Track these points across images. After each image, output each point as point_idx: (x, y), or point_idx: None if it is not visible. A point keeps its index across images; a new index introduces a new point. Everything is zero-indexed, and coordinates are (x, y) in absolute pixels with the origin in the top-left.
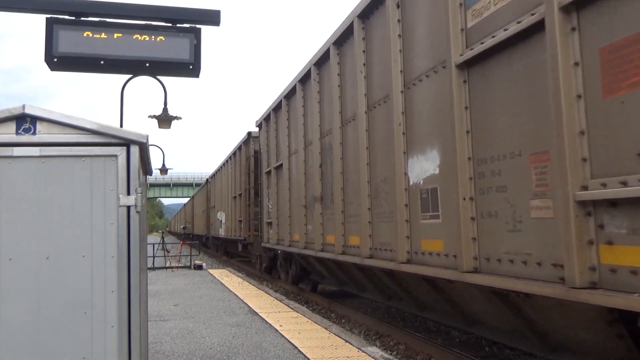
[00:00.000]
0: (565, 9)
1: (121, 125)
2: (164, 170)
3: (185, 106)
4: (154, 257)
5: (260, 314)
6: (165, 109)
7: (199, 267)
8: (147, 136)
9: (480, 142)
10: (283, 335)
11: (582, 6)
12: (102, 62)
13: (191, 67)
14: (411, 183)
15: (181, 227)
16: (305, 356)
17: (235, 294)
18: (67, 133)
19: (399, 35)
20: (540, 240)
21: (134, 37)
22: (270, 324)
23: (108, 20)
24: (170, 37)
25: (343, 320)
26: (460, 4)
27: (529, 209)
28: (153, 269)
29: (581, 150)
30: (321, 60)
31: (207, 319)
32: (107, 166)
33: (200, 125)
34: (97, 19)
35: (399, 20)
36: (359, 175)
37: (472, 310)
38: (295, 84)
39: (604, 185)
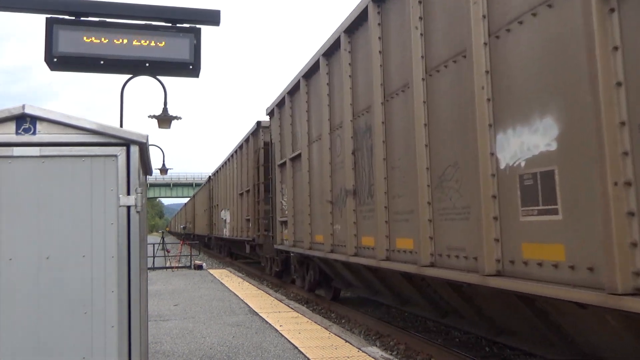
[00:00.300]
0: None
1: (121, 125)
2: (164, 170)
3: (185, 106)
4: (154, 257)
5: (260, 314)
6: (165, 109)
7: (199, 267)
8: (147, 136)
9: None
10: (283, 335)
11: None
12: (102, 62)
13: (191, 67)
14: (502, 166)
15: (181, 227)
16: (305, 356)
17: (235, 294)
18: (67, 133)
19: None
20: None
21: (134, 37)
22: (270, 324)
23: (108, 20)
24: (170, 37)
25: (343, 320)
26: None
27: None
28: (153, 269)
29: None
30: (354, 25)
31: (207, 319)
32: (107, 166)
33: (200, 125)
34: (97, 19)
35: None
36: (414, 161)
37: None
38: (318, 59)
39: None
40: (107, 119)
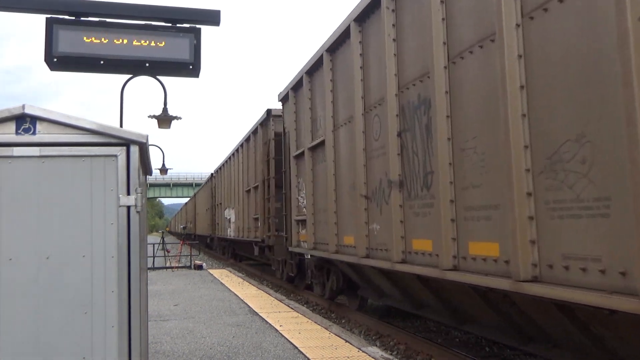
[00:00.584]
0: None
1: (121, 125)
2: (163, 170)
3: (185, 106)
4: (154, 257)
5: (260, 314)
6: (165, 109)
7: (199, 267)
8: (147, 136)
9: None
10: (283, 335)
11: None
12: (102, 62)
13: (191, 67)
14: None
15: (181, 227)
16: (305, 356)
17: (235, 294)
18: (67, 133)
19: None
20: None
21: (134, 37)
22: (270, 324)
23: (108, 20)
24: (170, 37)
25: (343, 320)
26: None
27: None
28: (153, 269)
29: None
30: None
31: (207, 319)
32: (107, 166)
33: (200, 125)
34: (97, 19)
35: None
36: (503, 138)
37: None
38: (348, 26)
39: None
40: (107, 119)
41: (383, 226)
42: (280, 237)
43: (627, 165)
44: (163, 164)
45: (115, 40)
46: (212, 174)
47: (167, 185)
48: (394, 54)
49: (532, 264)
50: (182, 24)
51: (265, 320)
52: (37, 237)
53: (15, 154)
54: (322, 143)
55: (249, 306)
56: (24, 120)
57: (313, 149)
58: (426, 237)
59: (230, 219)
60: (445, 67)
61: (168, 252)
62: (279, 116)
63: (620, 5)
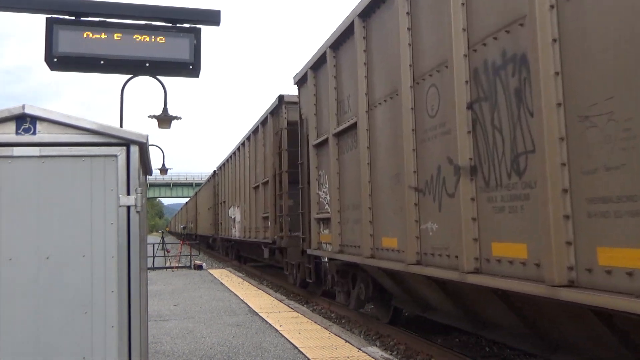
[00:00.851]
0: None
1: (121, 125)
2: (163, 170)
3: (185, 106)
4: (154, 257)
5: (260, 314)
6: (165, 109)
7: (199, 267)
8: (147, 136)
9: None
10: (283, 335)
11: None
12: (102, 62)
13: (191, 67)
14: None
15: (181, 227)
16: (305, 356)
17: (235, 294)
18: (67, 133)
19: None
20: None
21: (134, 37)
22: (270, 324)
23: (108, 20)
24: (170, 37)
25: (343, 321)
26: None
27: None
28: (153, 269)
29: None
30: None
31: (207, 319)
32: (107, 166)
33: (201, 125)
34: (97, 19)
35: None
36: None
37: None
38: None
39: None
40: (107, 119)
41: (444, 225)
42: (295, 238)
43: None
44: (163, 164)
45: (115, 40)
46: (214, 171)
47: (167, 185)
48: (462, 3)
49: None
50: (182, 24)
51: (265, 320)
52: (37, 237)
53: (15, 154)
54: (352, 127)
55: (248, 306)
56: (24, 120)
57: (339, 134)
58: (516, 240)
59: (235, 218)
60: (552, 7)
61: (168, 252)
62: (293, 103)
63: None
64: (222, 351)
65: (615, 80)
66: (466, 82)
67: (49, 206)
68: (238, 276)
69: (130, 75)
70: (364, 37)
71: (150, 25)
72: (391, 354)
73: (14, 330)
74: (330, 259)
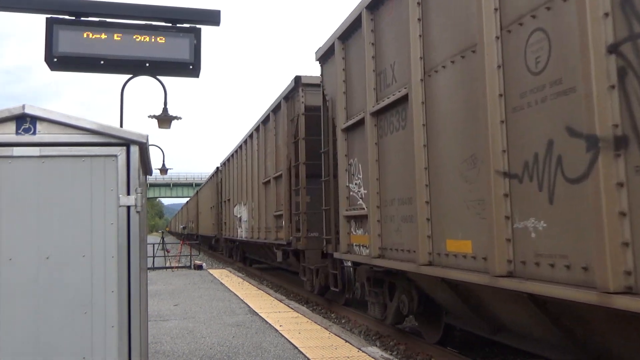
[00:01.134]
0: None
1: (121, 125)
2: (164, 170)
3: (185, 106)
4: (154, 257)
5: (260, 314)
6: (165, 109)
7: (199, 267)
8: (147, 136)
9: None
10: (283, 335)
11: None
12: (102, 62)
13: (191, 67)
14: None
15: (181, 227)
16: (305, 356)
17: (235, 294)
18: (67, 133)
19: None
20: None
21: (134, 37)
22: (270, 324)
23: (108, 20)
24: (170, 37)
25: (343, 321)
26: None
27: None
28: (153, 269)
29: None
30: None
31: (207, 319)
32: (107, 166)
33: (201, 125)
34: (97, 19)
35: None
36: None
37: None
38: None
39: None
40: (107, 119)
41: (558, 224)
42: (315, 239)
43: None
44: (163, 164)
45: (115, 40)
46: (217, 168)
47: (167, 185)
48: None
49: None
50: (182, 24)
51: (265, 320)
52: (37, 237)
53: (15, 154)
54: (400, 101)
55: (248, 306)
56: (24, 120)
57: (379, 113)
58: None
59: (241, 217)
60: None
61: (168, 252)
62: (313, 85)
63: None
64: (222, 351)
65: None
66: (605, 14)
67: (49, 206)
68: (238, 276)
69: (130, 75)
70: None
71: (150, 25)
72: (391, 354)
73: (14, 330)
74: (359, 263)
